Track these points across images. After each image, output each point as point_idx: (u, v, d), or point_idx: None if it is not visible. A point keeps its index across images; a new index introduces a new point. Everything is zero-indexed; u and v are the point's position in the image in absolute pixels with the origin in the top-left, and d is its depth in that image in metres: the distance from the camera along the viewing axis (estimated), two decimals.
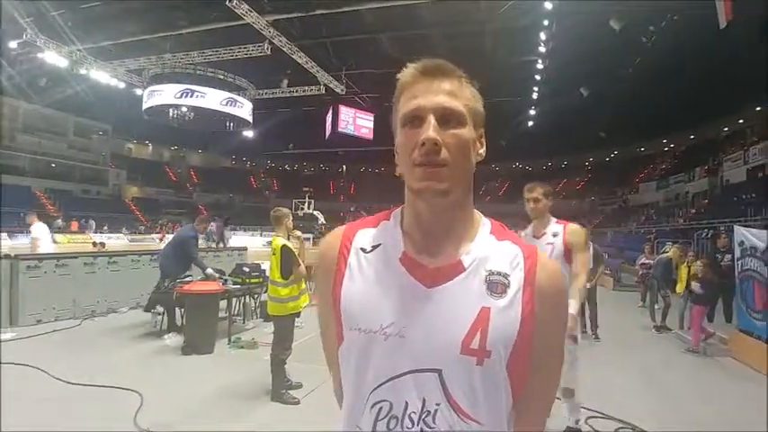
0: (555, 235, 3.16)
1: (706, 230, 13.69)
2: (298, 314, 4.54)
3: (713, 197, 26.70)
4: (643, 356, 6.32)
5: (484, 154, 0.88)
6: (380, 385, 0.79)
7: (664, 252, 9.33)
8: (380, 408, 0.79)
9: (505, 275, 0.81)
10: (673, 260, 8.47)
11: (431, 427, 0.76)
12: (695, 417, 4.25)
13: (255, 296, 7.59)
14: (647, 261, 9.82)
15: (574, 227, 3.20)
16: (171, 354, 5.68)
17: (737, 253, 6.51)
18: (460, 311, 0.78)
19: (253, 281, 7.03)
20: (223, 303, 6.50)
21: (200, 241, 7.32)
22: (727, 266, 7.71)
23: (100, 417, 3.79)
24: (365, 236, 0.89)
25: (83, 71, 25.00)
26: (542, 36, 20.17)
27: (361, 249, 0.87)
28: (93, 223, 32.44)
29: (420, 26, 22.37)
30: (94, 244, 18.39)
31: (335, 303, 0.86)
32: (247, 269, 7.16)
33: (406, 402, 0.77)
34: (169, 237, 13.23)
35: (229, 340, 6.17)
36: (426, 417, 0.76)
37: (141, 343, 6.17)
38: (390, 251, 0.85)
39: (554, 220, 3.26)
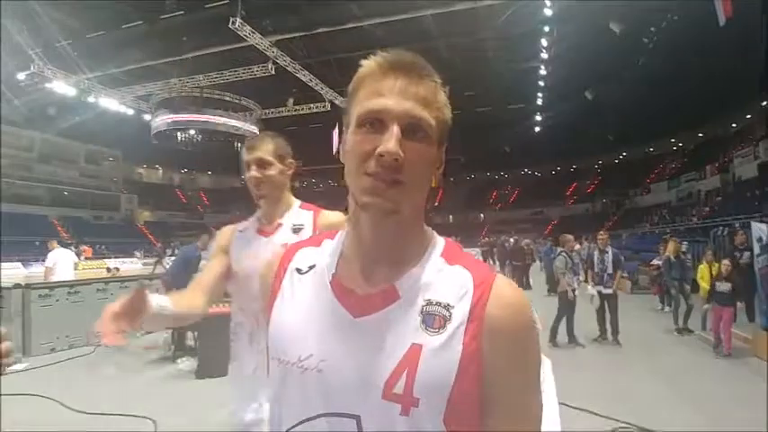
0: (297, 230, 1.87)
1: (722, 228, 13.44)
2: None
3: (726, 194, 26.41)
4: (667, 360, 6.16)
5: (440, 174, 0.74)
6: (295, 425, 0.68)
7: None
8: None
9: (447, 306, 0.66)
10: (672, 255, 8.34)
11: None
12: (730, 421, 4.09)
13: None
14: (660, 262, 9.65)
15: (330, 216, 1.93)
16: (185, 378, 5.63)
17: (756, 249, 6.36)
18: (386, 347, 0.65)
19: None
20: None
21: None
22: (746, 264, 7.53)
23: None
24: (304, 255, 0.79)
25: (91, 99, 25.46)
26: (544, 42, 20.26)
27: (297, 270, 0.77)
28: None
29: (422, 39, 22.55)
30: (108, 269, 18.50)
31: (268, 328, 0.76)
32: None
33: None
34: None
35: None
36: None
37: (155, 368, 6.12)
38: (322, 273, 0.74)
39: (297, 203, 2.01)
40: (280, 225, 1.86)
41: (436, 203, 54.88)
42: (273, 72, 23.33)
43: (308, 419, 0.66)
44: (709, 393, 4.97)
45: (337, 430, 0.64)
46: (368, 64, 0.70)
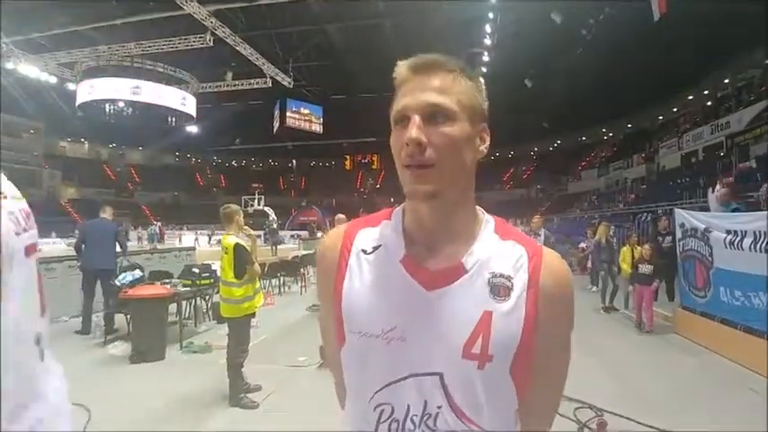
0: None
1: (646, 214, 14.36)
2: (253, 315, 4.38)
3: (650, 182, 28.17)
4: (594, 336, 6.53)
5: (485, 150, 0.82)
6: (382, 388, 0.77)
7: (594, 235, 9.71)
8: (382, 410, 0.78)
9: (509, 278, 0.78)
10: (602, 238, 8.86)
11: (431, 429, 0.75)
12: (648, 391, 4.40)
13: (207, 298, 7.31)
14: (586, 245, 10.21)
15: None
16: (118, 363, 5.36)
17: (678, 234, 6.81)
18: (462, 315, 0.75)
19: (203, 282, 6.75)
20: (172, 307, 6.22)
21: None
22: (668, 248, 8.08)
23: None
24: (366, 236, 0.86)
25: (10, 65, 23.34)
26: (488, 29, 20.53)
27: (362, 251, 0.84)
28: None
29: (367, 17, 22.27)
30: None
31: (336, 305, 0.83)
32: (197, 270, 6.87)
33: (408, 405, 0.76)
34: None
35: (181, 345, 5.90)
36: (428, 419, 0.75)
37: (85, 354, 5.78)
38: (391, 253, 0.82)
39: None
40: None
41: (378, 186, 55.15)
42: (212, 44, 22.28)
43: (396, 381, 0.76)
44: (631, 365, 5.35)
45: (423, 386, 0.75)
46: (396, 71, 0.80)
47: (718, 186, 7.14)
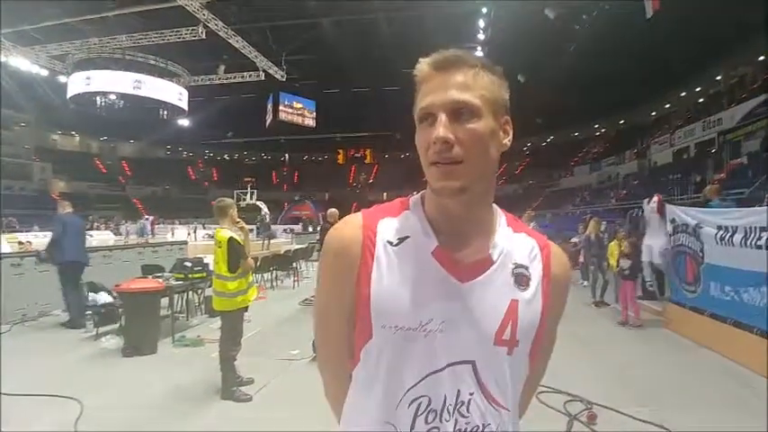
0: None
1: (637, 209, 14.47)
2: (246, 308, 4.38)
3: (642, 178, 28.28)
4: (584, 330, 6.58)
5: (509, 143, 0.84)
6: (419, 381, 0.79)
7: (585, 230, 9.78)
8: (419, 403, 0.79)
9: (527, 268, 0.84)
10: (593, 233, 8.93)
11: (464, 416, 0.79)
12: (637, 384, 4.44)
13: (199, 291, 7.28)
14: (578, 240, 10.26)
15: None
16: (111, 357, 5.34)
17: (669, 229, 6.85)
18: (493, 304, 0.80)
19: (195, 276, 6.72)
20: (164, 301, 6.19)
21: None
22: None
23: (37, 427, 3.51)
24: (388, 227, 0.85)
25: (1, 57, 23.02)
26: (481, 23, 20.50)
27: (389, 242, 0.83)
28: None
29: (361, 11, 22.16)
30: (20, 243, 17.08)
31: (362, 300, 0.81)
32: (189, 264, 6.84)
33: (445, 396, 0.79)
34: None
35: (173, 339, 5.88)
36: (461, 407, 0.79)
37: (77, 347, 5.74)
38: (421, 245, 0.82)
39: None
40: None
41: (370, 180, 55.07)
42: (204, 36, 22.08)
43: (435, 372, 0.78)
44: (620, 359, 5.38)
45: (457, 374, 0.78)
46: (417, 68, 0.81)
47: (655, 198, 7.40)
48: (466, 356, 0.78)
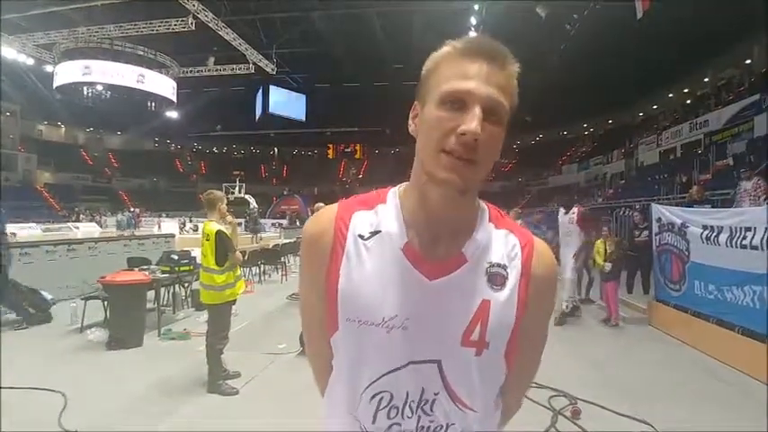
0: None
1: (623, 209, 14.62)
2: (234, 302, 4.36)
3: (629, 178, 28.55)
4: (569, 327, 6.67)
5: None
6: (381, 377, 0.78)
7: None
8: (381, 398, 0.79)
9: (504, 267, 0.80)
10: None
11: (428, 415, 0.78)
12: (621, 381, 4.49)
13: (186, 285, 7.23)
14: None
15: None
16: (95, 349, 5.28)
17: (655, 229, 6.94)
18: (462, 304, 0.77)
19: (182, 269, 6.67)
20: (150, 294, 6.14)
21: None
22: (643, 242, 8.22)
23: (21, 420, 3.46)
24: (362, 220, 0.83)
25: None
26: (473, 20, 20.50)
27: (360, 236, 0.81)
28: None
29: (352, 6, 22.06)
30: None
31: (330, 292, 0.80)
32: (176, 257, 6.78)
33: (407, 392, 0.78)
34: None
35: (159, 332, 5.84)
36: (425, 405, 0.78)
37: (62, 340, 5.69)
38: (392, 240, 0.80)
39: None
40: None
41: (360, 175, 54.96)
42: (194, 27, 21.83)
43: (396, 369, 0.77)
44: (605, 356, 5.44)
45: (421, 373, 0.77)
46: (450, 46, 0.75)
47: (574, 209, 7.35)
48: (431, 355, 0.76)
